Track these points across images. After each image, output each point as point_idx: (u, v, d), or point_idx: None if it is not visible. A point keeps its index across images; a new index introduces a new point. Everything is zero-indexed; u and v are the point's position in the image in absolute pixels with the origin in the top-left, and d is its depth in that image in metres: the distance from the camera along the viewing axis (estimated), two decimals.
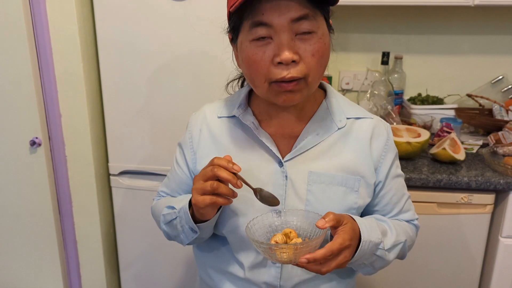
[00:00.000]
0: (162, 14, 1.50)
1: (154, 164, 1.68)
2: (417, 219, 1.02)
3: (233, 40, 0.87)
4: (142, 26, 1.52)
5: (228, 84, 1.06)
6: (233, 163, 0.80)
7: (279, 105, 0.88)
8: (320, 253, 0.74)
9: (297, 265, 0.76)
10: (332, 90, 0.96)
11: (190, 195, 0.90)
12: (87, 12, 1.61)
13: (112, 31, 1.55)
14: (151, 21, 1.52)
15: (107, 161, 1.75)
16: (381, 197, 0.96)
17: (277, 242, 0.79)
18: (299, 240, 0.80)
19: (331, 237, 0.80)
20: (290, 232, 0.81)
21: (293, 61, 0.78)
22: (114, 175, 1.74)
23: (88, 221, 1.79)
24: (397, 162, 0.98)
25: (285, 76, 0.79)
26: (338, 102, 0.94)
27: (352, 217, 0.84)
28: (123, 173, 1.73)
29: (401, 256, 0.97)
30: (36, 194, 1.73)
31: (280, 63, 0.78)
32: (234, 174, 0.80)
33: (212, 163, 0.81)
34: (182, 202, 0.91)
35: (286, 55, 0.77)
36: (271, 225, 0.85)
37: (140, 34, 1.53)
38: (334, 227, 0.79)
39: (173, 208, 0.93)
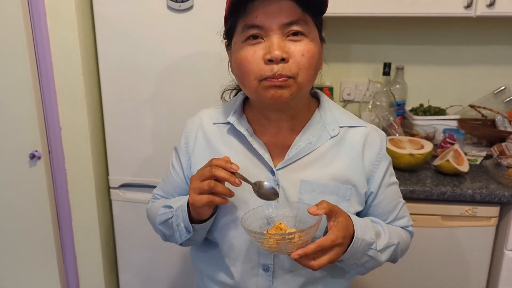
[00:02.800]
0: (162, 27, 1.50)
1: (154, 177, 1.66)
2: (411, 225, 1.03)
3: (228, 45, 0.91)
4: (142, 39, 1.52)
5: (223, 92, 1.08)
6: (231, 163, 0.82)
7: (270, 109, 0.90)
8: (310, 248, 0.77)
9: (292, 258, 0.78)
10: (326, 99, 0.97)
11: (188, 196, 0.91)
12: (88, 26, 1.61)
13: (112, 44, 1.54)
14: (152, 35, 1.51)
15: (107, 174, 1.74)
16: (376, 206, 0.96)
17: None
18: (292, 230, 0.83)
19: (326, 233, 0.82)
20: (280, 224, 0.84)
21: (283, 59, 0.80)
22: (114, 188, 1.73)
23: (88, 235, 1.78)
24: (391, 170, 0.98)
25: (275, 73, 0.80)
26: (332, 111, 0.95)
27: (349, 216, 0.85)
28: (123, 186, 1.72)
29: (393, 259, 0.97)
30: (36, 207, 1.71)
31: (270, 60, 0.80)
32: (233, 173, 0.82)
33: (210, 164, 0.83)
34: (179, 201, 0.93)
35: (276, 53, 0.79)
36: (266, 217, 0.87)
37: (140, 47, 1.53)
38: (329, 218, 0.81)
39: (170, 207, 0.95)
